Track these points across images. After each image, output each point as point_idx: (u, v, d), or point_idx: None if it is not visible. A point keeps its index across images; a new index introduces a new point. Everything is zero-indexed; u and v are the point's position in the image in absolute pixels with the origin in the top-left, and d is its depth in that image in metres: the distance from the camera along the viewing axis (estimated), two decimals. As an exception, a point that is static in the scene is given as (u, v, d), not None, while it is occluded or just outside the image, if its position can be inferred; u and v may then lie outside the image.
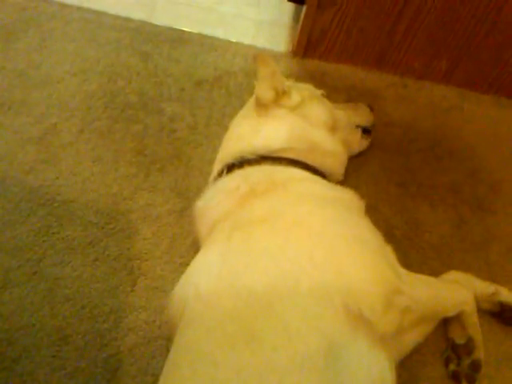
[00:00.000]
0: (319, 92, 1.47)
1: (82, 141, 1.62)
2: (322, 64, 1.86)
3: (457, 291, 1.28)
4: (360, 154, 1.62)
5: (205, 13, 1.98)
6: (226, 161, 1.31)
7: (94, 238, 1.45)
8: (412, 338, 1.19)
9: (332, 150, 1.37)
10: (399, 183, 1.60)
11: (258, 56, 1.35)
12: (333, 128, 1.40)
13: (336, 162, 1.40)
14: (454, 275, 1.38)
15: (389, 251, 1.12)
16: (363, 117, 1.57)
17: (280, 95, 1.33)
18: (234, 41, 1.90)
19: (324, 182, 1.27)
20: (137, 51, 1.85)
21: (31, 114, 1.65)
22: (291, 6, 1.94)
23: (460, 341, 1.29)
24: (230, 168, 1.28)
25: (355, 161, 1.62)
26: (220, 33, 1.92)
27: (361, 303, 0.93)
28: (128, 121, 1.68)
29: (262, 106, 1.33)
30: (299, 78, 1.79)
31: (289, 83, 1.42)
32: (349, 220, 1.11)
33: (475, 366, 1.26)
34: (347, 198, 1.21)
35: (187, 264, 1.39)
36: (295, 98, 1.35)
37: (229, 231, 1.07)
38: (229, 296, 0.95)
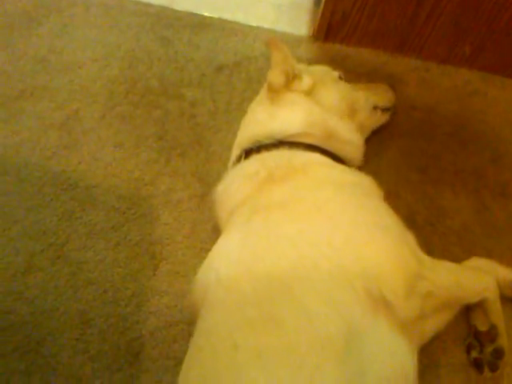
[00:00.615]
0: (336, 74, 1.46)
1: (103, 126, 1.63)
2: (343, 48, 1.84)
3: (479, 277, 1.26)
4: (381, 140, 1.61)
5: (225, -3, 1.97)
6: (244, 146, 1.31)
7: (116, 222, 1.46)
8: (433, 325, 1.18)
9: (348, 138, 1.35)
10: (421, 169, 1.59)
11: (270, 40, 1.34)
12: (350, 111, 1.39)
13: (353, 149, 1.38)
14: (476, 261, 1.37)
15: (410, 236, 1.10)
16: (384, 97, 1.55)
17: (291, 79, 1.33)
18: (255, 25, 1.89)
19: (343, 167, 1.26)
20: (157, 37, 1.84)
21: (53, 99, 1.67)
22: (312, -11, 1.92)
23: (483, 328, 1.28)
24: (248, 153, 1.28)
25: (376, 147, 1.60)
26: (240, 17, 1.90)
27: (383, 287, 0.93)
28: (149, 106, 1.68)
29: (274, 92, 1.32)
30: (320, 61, 1.78)
31: (301, 66, 1.41)
32: (368, 205, 1.11)
33: (498, 353, 1.25)
34: (366, 184, 1.20)
35: (208, 249, 1.40)
36: (306, 81, 1.34)
37: (248, 215, 1.08)
38: (248, 280, 0.96)
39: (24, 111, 1.64)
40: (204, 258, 1.34)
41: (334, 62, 1.76)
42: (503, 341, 1.25)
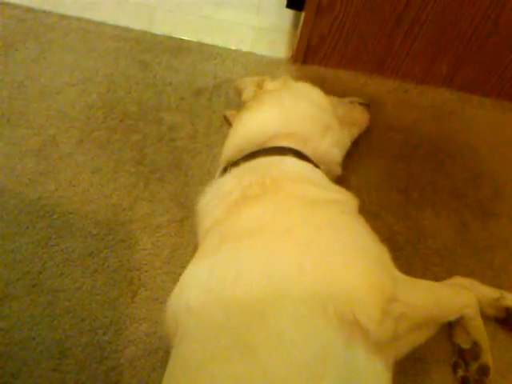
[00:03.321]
0: None
1: (81, 152, 1.61)
2: (321, 70, 1.85)
3: (457, 294, 1.25)
4: (360, 161, 1.61)
5: (203, 21, 1.97)
6: (225, 159, 1.31)
7: (94, 249, 1.44)
8: (410, 342, 1.15)
9: (327, 120, 1.35)
10: (401, 189, 1.59)
11: (235, 84, 1.50)
12: (327, 103, 1.43)
13: (334, 139, 1.37)
14: (458, 280, 1.36)
15: (385, 255, 1.08)
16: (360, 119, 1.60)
17: (262, 84, 1.40)
18: (234, 48, 1.89)
19: (319, 180, 1.23)
20: (136, 61, 1.84)
21: (30, 125, 1.65)
22: (290, 12, 1.93)
23: (466, 345, 1.27)
24: (228, 166, 1.26)
25: (356, 166, 1.61)
26: (219, 41, 1.91)
27: (355, 310, 0.91)
28: (127, 131, 1.67)
29: (250, 102, 1.37)
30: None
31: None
32: (342, 225, 1.08)
33: (483, 371, 1.24)
34: (342, 200, 1.18)
35: (187, 275, 1.39)
36: (278, 80, 1.42)
37: (217, 243, 1.05)
38: (219, 308, 0.94)
39: (1, 137, 1.62)
40: (183, 283, 1.33)
41: (312, 84, 1.78)
42: (487, 357, 1.25)
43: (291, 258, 0.96)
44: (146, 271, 1.41)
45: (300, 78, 1.76)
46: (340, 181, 1.53)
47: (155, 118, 1.70)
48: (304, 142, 1.28)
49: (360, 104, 1.59)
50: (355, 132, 1.56)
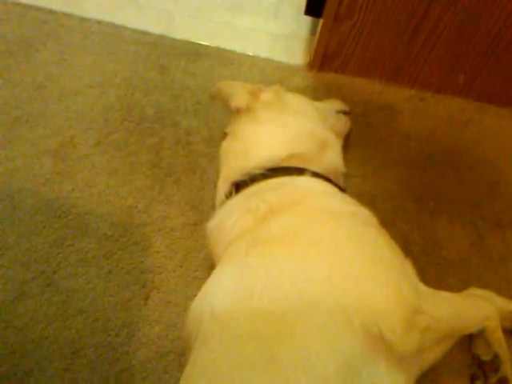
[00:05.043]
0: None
1: (98, 153, 1.63)
2: (338, 77, 1.85)
3: (479, 306, 1.25)
4: (376, 170, 1.61)
5: (222, 27, 1.99)
6: (232, 179, 1.28)
7: (108, 250, 1.45)
8: (432, 356, 1.15)
9: (325, 136, 1.35)
10: (416, 198, 1.58)
11: (217, 86, 1.46)
12: (320, 117, 1.41)
13: (335, 152, 1.37)
14: (473, 292, 1.36)
15: (409, 267, 1.09)
16: (337, 103, 1.60)
17: (258, 94, 1.35)
18: (251, 54, 1.90)
19: (340, 194, 1.24)
20: (154, 64, 1.86)
21: (48, 126, 1.67)
22: (308, 19, 1.94)
23: (486, 357, 1.26)
24: (239, 187, 1.25)
25: (371, 176, 1.60)
26: (237, 46, 1.92)
27: (380, 324, 0.91)
28: (144, 133, 1.68)
29: (243, 113, 1.33)
30: (315, 90, 1.80)
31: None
32: (367, 237, 1.08)
33: (502, 383, 1.23)
34: (364, 212, 1.18)
35: (200, 278, 1.40)
36: (271, 90, 1.37)
37: (246, 249, 1.05)
38: (245, 317, 0.93)
39: (19, 137, 1.64)
40: (196, 287, 1.34)
41: (329, 91, 1.79)
42: (507, 370, 1.24)
43: (320, 268, 0.97)
44: (160, 274, 1.42)
45: (317, 84, 1.78)
46: (355, 189, 1.54)
47: (172, 121, 1.71)
48: (312, 161, 1.28)
49: (343, 113, 1.58)
50: (341, 141, 1.54)
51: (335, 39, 1.73)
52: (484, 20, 1.57)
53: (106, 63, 1.85)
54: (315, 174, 1.24)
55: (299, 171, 1.23)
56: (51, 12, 1.95)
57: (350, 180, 1.57)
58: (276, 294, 0.94)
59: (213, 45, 1.92)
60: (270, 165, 1.24)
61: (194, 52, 1.90)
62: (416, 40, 1.68)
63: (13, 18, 1.93)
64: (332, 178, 1.29)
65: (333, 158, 1.35)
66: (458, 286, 1.39)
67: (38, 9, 1.95)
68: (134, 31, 1.94)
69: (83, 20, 1.96)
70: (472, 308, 1.23)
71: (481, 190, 1.62)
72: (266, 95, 1.36)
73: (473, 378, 1.28)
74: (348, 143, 1.64)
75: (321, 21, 1.71)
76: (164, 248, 1.46)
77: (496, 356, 1.25)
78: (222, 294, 1.00)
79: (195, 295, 1.27)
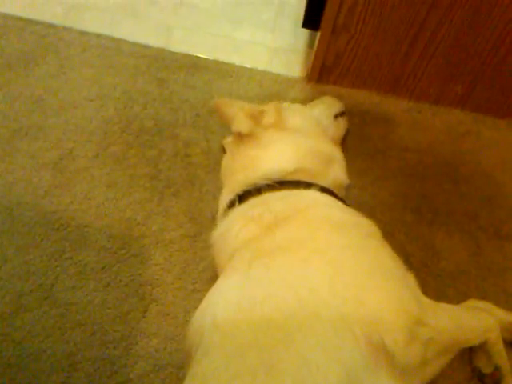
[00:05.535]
0: (285, 104, 1.49)
1: (97, 166, 1.63)
2: (336, 89, 1.86)
3: (481, 318, 1.24)
4: (374, 181, 1.61)
5: (221, 40, 2.00)
6: (236, 191, 1.27)
7: (107, 263, 1.45)
8: (434, 368, 1.14)
9: (330, 152, 1.36)
10: (415, 210, 1.58)
11: (215, 104, 1.43)
12: (321, 129, 1.43)
13: (340, 166, 1.38)
14: (473, 303, 1.35)
15: (411, 279, 1.09)
16: (334, 105, 1.59)
17: (259, 118, 1.33)
18: (249, 67, 1.91)
19: (342, 205, 1.24)
20: (153, 77, 1.87)
21: (48, 139, 1.68)
22: (306, 32, 1.95)
23: (487, 370, 1.26)
24: (244, 196, 1.25)
25: (370, 187, 1.61)
26: (235, 59, 1.93)
27: (383, 334, 0.91)
28: (143, 146, 1.69)
29: (247, 138, 1.31)
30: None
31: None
32: (370, 247, 1.09)
33: None
34: (366, 223, 1.19)
35: (199, 290, 1.40)
36: (272, 112, 1.35)
37: (249, 260, 1.05)
38: (248, 326, 0.93)
39: (18, 150, 1.65)
40: (194, 299, 1.34)
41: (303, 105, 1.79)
42: (508, 382, 1.23)
43: (322, 277, 0.97)
44: (158, 286, 1.42)
45: (315, 97, 1.79)
46: (354, 200, 1.53)
47: (171, 134, 1.72)
48: (319, 175, 1.29)
49: (340, 116, 1.60)
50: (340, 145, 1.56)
51: (333, 52, 1.74)
52: (481, 31, 1.58)
53: (105, 76, 1.85)
54: (323, 189, 1.24)
55: (307, 185, 1.23)
56: (51, 26, 1.96)
57: (348, 191, 1.57)
58: (278, 304, 0.94)
59: (211, 58, 1.93)
60: (276, 177, 1.25)
61: (192, 65, 1.91)
62: (413, 52, 1.69)
63: (13, 31, 1.94)
64: (337, 191, 1.30)
65: (338, 172, 1.36)
66: (457, 298, 1.39)
67: (37, 23, 1.96)
68: (133, 44, 1.96)
69: (82, 34, 1.97)
70: (473, 320, 1.23)
71: (479, 202, 1.62)
72: (269, 119, 1.34)
73: None
74: (346, 154, 1.64)
75: (318, 34, 1.72)
76: (162, 260, 1.46)
77: (497, 368, 1.25)
78: (225, 304, 1.01)
79: (194, 308, 1.27)
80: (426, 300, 1.09)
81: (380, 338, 0.90)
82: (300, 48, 1.99)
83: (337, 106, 1.60)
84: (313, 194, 1.22)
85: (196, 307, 1.24)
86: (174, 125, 1.75)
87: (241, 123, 1.30)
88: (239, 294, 0.99)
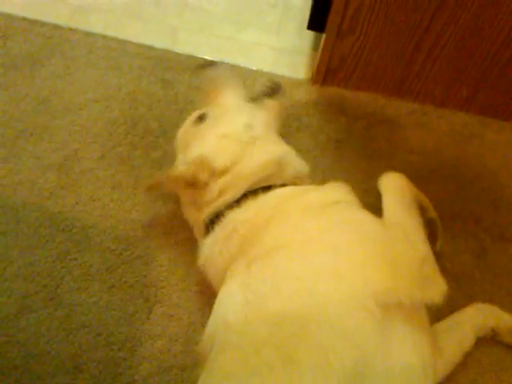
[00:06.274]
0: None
1: (102, 167, 1.63)
2: (341, 91, 1.85)
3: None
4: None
5: (226, 41, 2.00)
6: (203, 223, 1.30)
7: (112, 264, 1.46)
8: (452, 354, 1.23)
9: (273, 158, 1.31)
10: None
11: (148, 188, 1.42)
12: (255, 135, 1.35)
13: (291, 161, 1.35)
14: (477, 306, 1.36)
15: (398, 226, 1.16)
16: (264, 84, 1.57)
17: (196, 182, 1.29)
18: (254, 69, 1.91)
19: (310, 187, 1.28)
20: (158, 79, 1.87)
21: (53, 140, 1.68)
22: (311, 34, 1.95)
23: None
24: (213, 221, 1.25)
25: (374, 189, 1.60)
26: (240, 61, 1.93)
27: (399, 297, 0.95)
28: (148, 147, 1.69)
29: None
30: (318, 104, 1.81)
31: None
32: (353, 220, 1.13)
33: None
34: (340, 196, 1.22)
35: (203, 292, 1.40)
36: (199, 169, 1.28)
37: (246, 263, 1.07)
38: (261, 322, 0.95)
39: (23, 151, 1.65)
40: (199, 301, 1.35)
41: (332, 105, 1.79)
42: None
43: (324, 263, 0.99)
44: (163, 288, 1.42)
45: (319, 99, 1.79)
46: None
47: (175, 135, 1.72)
48: (275, 177, 1.29)
49: (268, 95, 1.52)
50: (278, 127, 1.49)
51: (338, 54, 1.74)
52: (486, 34, 1.58)
53: (111, 77, 1.86)
54: (283, 185, 1.26)
55: (265, 189, 1.24)
56: (56, 27, 1.97)
57: (352, 193, 1.57)
58: (287, 296, 0.96)
59: (216, 59, 1.93)
60: (233, 200, 1.25)
61: (197, 66, 1.91)
62: (418, 54, 1.68)
63: (19, 32, 1.94)
64: (299, 182, 1.32)
65: (293, 169, 1.34)
66: (461, 301, 1.39)
67: (43, 24, 1.96)
68: (139, 46, 1.96)
69: (88, 35, 1.97)
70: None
71: (484, 204, 1.61)
72: (203, 176, 1.27)
73: None
74: (351, 156, 1.65)
75: (323, 36, 1.72)
76: (167, 262, 1.46)
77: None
78: (233, 305, 1.02)
79: (198, 309, 1.28)
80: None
81: (398, 301, 0.94)
82: (305, 50, 1.99)
83: (267, 85, 1.55)
84: (275, 193, 1.23)
85: (200, 309, 1.26)
86: (179, 126, 1.75)
87: (185, 196, 1.36)
88: (245, 294, 1.01)
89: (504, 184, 1.67)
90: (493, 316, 1.33)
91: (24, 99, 1.78)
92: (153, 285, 1.42)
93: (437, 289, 1.02)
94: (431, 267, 1.06)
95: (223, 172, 1.27)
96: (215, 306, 1.10)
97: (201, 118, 1.40)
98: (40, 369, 1.30)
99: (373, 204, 1.56)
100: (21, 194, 1.57)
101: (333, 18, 1.61)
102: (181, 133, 1.46)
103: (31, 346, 1.33)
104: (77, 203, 1.56)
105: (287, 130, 1.71)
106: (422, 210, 1.36)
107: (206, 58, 1.93)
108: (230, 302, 1.03)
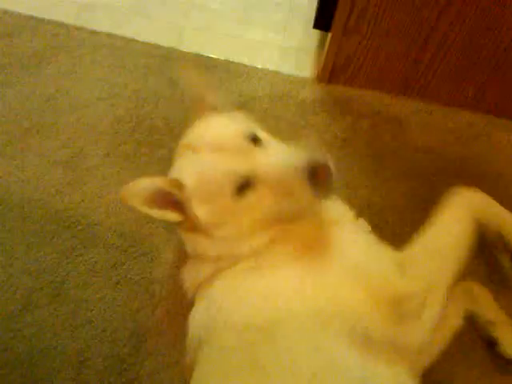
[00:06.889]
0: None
1: (107, 164, 1.64)
2: (347, 90, 1.85)
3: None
4: (385, 182, 1.61)
5: (231, 40, 2.00)
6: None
7: (117, 261, 1.46)
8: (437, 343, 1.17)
9: None
10: (425, 211, 1.57)
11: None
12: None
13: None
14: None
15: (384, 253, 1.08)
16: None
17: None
18: (260, 67, 1.91)
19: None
20: (164, 77, 1.87)
21: (59, 137, 1.69)
22: (316, 32, 1.95)
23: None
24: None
25: (380, 187, 1.60)
26: (246, 59, 1.93)
27: (364, 325, 0.93)
28: (154, 145, 1.69)
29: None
30: (324, 103, 1.81)
31: None
32: (326, 240, 1.06)
33: None
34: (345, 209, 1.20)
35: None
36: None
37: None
38: (229, 333, 0.96)
39: (30, 148, 1.66)
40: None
41: (337, 104, 1.79)
42: None
43: (288, 284, 0.98)
44: (168, 284, 1.42)
45: (325, 97, 1.79)
46: (363, 201, 1.53)
47: (181, 133, 1.71)
48: None
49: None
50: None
51: (344, 52, 1.74)
52: (493, 33, 1.57)
53: (116, 76, 1.86)
54: None
55: None
56: (63, 25, 1.97)
57: (358, 192, 1.57)
58: (252, 308, 0.97)
59: (222, 58, 1.94)
60: None
61: (203, 65, 1.91)
62: (425, 53, 1.68)
63: (25, 30, 1.95)
64: None
65: None
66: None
67: (49, 22, 1.97)
68: (144, 44, 1.96)
69: (94, 33, 1.98)
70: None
71: (490, 203, 1.61)
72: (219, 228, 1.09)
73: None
74: (357, 154, 1.65)
75: (329, 34, 1.72)
76: (172, 259, 1.46)
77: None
78: (198, 320, 1.06)
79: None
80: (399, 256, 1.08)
81: (364, 329, 0.92)
82: (311, 48, 1.99)
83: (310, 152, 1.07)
84: None
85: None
86: (184, 124, 1.75)
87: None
88: (208, 307, 1.04)
89: (510, 184, 1.66)
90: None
91: (30, 97, 1.79)
92: (158, 281, 1.43)
93: (414, 332, 0.96)
94: (416, 308, 0.98)
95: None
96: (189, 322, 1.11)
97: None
98: (45, 364, 1.30)
99: (377, 203, 1.58)
100: (27, 191, 1.57)
101: (339, 17, 1.61)
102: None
103: (37, 342, 1.33)
104: (82, 200, 1.56)
105: (293, 129, 1.72)
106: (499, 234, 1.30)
107: (212, 56, 1.93)
108: (196, 322, 1.07)
